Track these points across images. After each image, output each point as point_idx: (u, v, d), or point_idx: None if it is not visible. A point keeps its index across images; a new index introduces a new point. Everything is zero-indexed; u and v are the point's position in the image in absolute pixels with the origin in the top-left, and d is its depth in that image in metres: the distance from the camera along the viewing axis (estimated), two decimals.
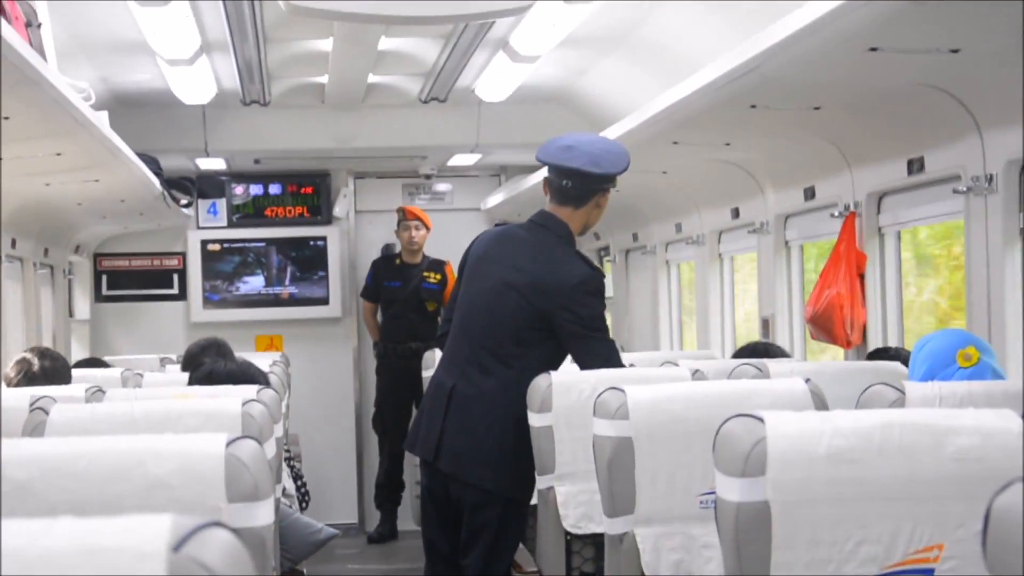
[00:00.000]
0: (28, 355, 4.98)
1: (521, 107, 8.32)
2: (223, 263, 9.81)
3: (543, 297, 4.57)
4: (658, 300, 8.12)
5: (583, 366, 4.51)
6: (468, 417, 4.66)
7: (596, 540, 4.15)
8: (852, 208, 5.07)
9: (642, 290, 8.52)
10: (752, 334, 6.54)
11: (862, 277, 5.04)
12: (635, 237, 8.50)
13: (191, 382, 4.49)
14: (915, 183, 4.65)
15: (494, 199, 9.67)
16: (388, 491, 9.16)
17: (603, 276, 4.71)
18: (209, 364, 4.55)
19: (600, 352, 4.54)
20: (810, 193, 5.55)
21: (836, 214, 5.17)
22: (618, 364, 4.53)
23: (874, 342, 5.03)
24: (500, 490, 4.60)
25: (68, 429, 2.96)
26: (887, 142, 4.73)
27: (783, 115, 4.65)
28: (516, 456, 4.54)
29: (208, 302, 9.78)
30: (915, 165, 4.57)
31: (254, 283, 9.87)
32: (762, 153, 5.65)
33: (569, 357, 4.70)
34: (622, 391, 3.30)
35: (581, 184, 4.67)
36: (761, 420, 2.32)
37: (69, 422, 2.98)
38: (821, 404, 3.23)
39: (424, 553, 4.90)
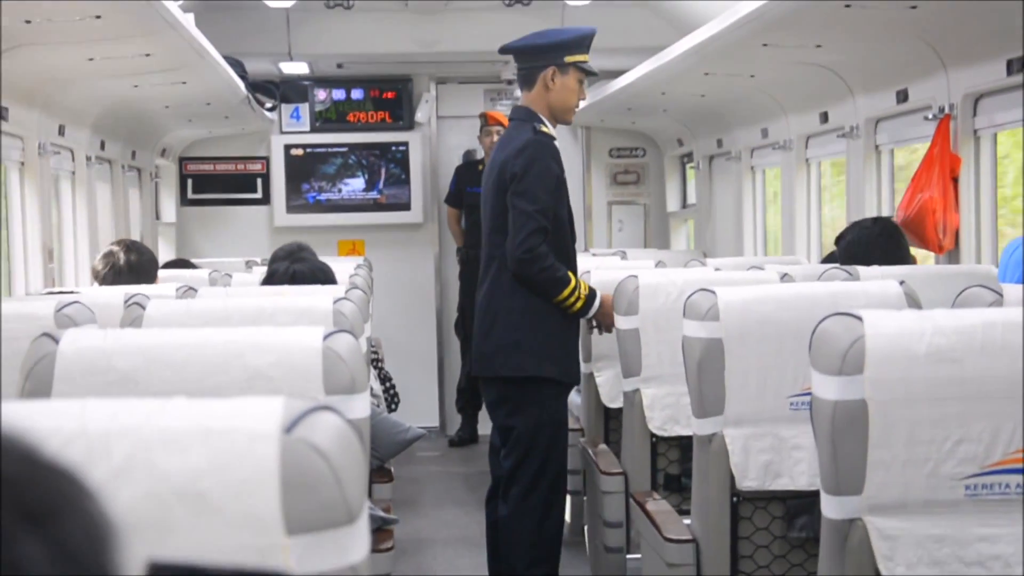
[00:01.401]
0: (115, 248, 5.03)
1: (606, 10, 8.21)
2: (306, 168, 9.85)
3: (499, 176, 4.63)
4: (742, 206, 8.05)
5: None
6: (476, 320, 4.81)
7: (681, 442, 4.16)
8: (947, 110, 4.97)
9: (726, 196, 8.45)
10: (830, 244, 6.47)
11: (955, 181, 4.95)
12: (719, 143, 8.41)
13: (264, 283, 4.51)
14: (1014, 84, 4.54)
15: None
16: (469, 395, 9.22)
17: (549, 141, 4.69)
18: (282, 266, 4.56)
19: (513, 224, 4.58)
20: (903, 96, 5.45)
21: (930, 116, 5.07)
22: (518, 245, 4.54)
23: (967, 247, 4.95)
24: (504, 372, 4.69)
25: (165, 323, 3.00)
26: (985, 42, 4.62)
27: (878, 14, 4.55)
28: (514, 343, 4.60)
29: (291, 207, 9.83)
30: (1015, 65, 4.46)
31: (338, 188, 9.90)
32: (854, 55, 5.54)
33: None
34: (713, 292, 3.28)
35: (525, 64, 4.75)
36: (859, 318, 2.30)
37: (166, 316, 3.02)
38: (916, 306, 3.19)
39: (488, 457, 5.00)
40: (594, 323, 4.78)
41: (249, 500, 1.33)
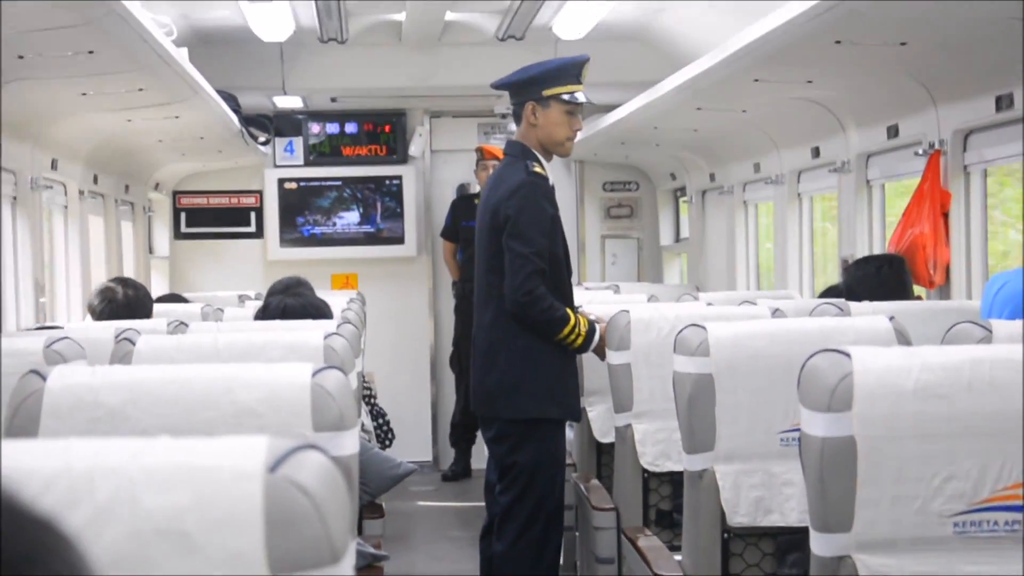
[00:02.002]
0: (112, 284, 5.04)
1: (599, 45, 8.23)
2: (300, 202, 9.86)
3: (492, 218, 4.63)
4: (735, 240, 8.06)
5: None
6: (475, 359, 4.81)
7: (673, 478, 4.15)
8: (937, 146, 4.99)
9: (719, 230, 8.46)
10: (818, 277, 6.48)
11: (946, 216, 4.97)
12: (712, 177, 8.44)
13: (256, 317, 4.52)
14: (1003, 120, 4.57)
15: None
16: (463, 430, 9.21)
17: (542, 181, 4.67)
18: (275, 300, 4.57)
19: (509, 267, 4.57)
20: (893, 131, 5.47)
21: (920, 152, 5.09)
22: (516, 288, 4.54)
23: (957, 282, 4.96)
24: (506, 415, 4.68)
25: (154, 359, 3.00)
26: (975, 78, 4.64)
27: (868, 51, 4.58)
28: (515, 384, 4.60)
29: (284, 240, 9.84)
30: (1004, 102, 4.48)
31: (333, 221, 9.90)
32: (845, 91, 5.56)
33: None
34: (703, 328, 3.28)
35: (512, 100, 4.76)
36: (847, 355, 2.30)
37: (155, 352, 3.02)
38: (905, 342, 3.19)
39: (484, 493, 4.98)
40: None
41: (233, 539, 1.33)
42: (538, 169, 4.66)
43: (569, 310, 4.62)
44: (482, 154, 8.93)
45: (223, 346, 3.17)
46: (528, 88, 4.68)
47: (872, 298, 4.44)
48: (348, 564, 1.45)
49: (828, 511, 2.30)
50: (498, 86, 4.81)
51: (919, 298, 4.88)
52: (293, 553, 1.36)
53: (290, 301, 4.49)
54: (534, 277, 4.52)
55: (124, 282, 5.09)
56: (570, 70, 4.69)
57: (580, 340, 4.61)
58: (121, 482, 1.33)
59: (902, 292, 4.66)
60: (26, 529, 0.70)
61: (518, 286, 4.52)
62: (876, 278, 4.67)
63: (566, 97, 4.67)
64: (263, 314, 4.46)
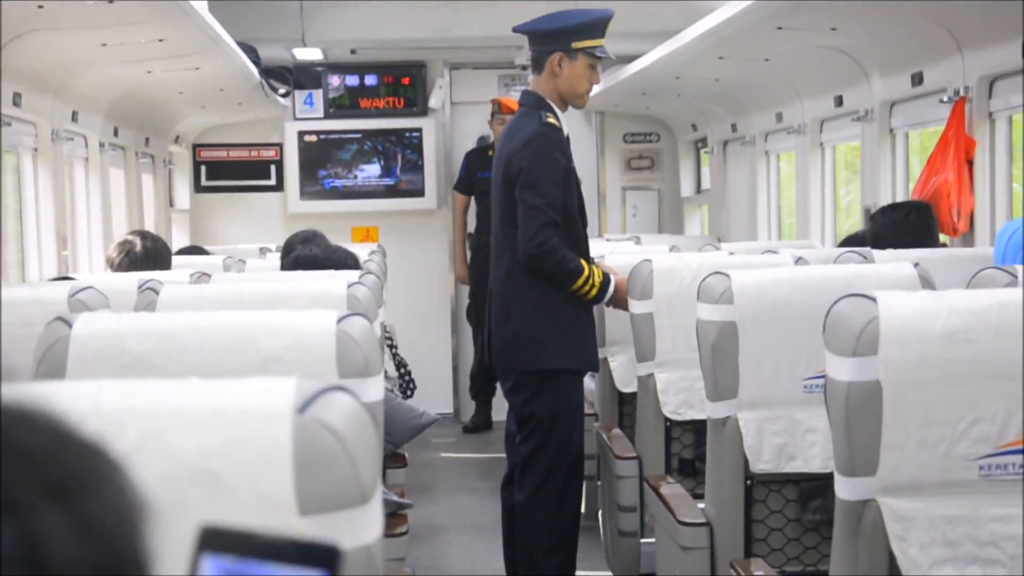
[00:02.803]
0: (130, 237, 5.06)
1: None
2: (320, 155, 9.85)
3: (506, 168, 4.61)
4: (757, 191, 8.03)
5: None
6: (491, 311, 4.81)
7: (695, 426, 4.16)
8: (962, 93, 4.95)
9: (740, 181, 8.43)
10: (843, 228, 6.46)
11: (970, 164, 4.94)
12: (733, 128, 8.40)
13: (283, 268, 4.52)
14: None
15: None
16: (482, 382, 9.22)
17: (556, 132, 4.65)
18: (298, 250, 4.56)
19: (522, 219, 4.56)
20: (918, 79, 5.43)
21: (945, 99, 5.05)
22: (529, 240, 4.53)
23: (981, 230, 4.94)
24: (521, 367, 4.68)
25: (178, 308, 3.00)
26: (1001, 24, 4.59)
27: None
28: (530, 335, 4.60)
29: (305, 193, 9.84)
30: None
31: (354, 174, 9.89)
32: (868, 38, 5.52)
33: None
34: (727, 275, 3.27)
35: (535, 47, 4.72)
36: (873, 300, 2.29)
37: (179, 301, 3.02)
38: (930, 288, 3.17)
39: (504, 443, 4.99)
40: (610, 304, 4.77)
41: (262, 480, 1.34)
42: (552, 120, 4.63)
43: (583, 261, 4.61)
44: (499, 107, 8.88)
45: (247, 295, 3.18)
46: (557, 38, 4.64)
47: (899, 246, 4.42)
48: (376, 505, 1.46)
49: (853, 455, 2.30)
50: (524, 31, 4.76)
51: (944, 245, 4.85)
52: (322, 494, 1.36)
53: (319, 252, 4.49)
54: (547, 228, 4.51)
55: (143, 235, 5.11)
56: (599, 24, 4.68)
57: (595, 291, 4.60)
58: (151, 423, 1.33)
59: (929, 239, 4.62)
60: (74, 449, 0.70)
61: (531, 237, 4.51)
62: (904, 225, 4.63)
63: (595, 51, 4.65)
64: (294, 264, 4.45)
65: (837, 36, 5.49)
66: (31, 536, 0.65)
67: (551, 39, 4.65)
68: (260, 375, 2.17)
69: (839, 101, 6.46)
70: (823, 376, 2.44)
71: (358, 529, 1.40)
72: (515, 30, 4.84)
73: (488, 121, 9.08)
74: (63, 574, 0.65)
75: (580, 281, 4.58)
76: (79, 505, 0.67)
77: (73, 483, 0.68)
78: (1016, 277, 2.92)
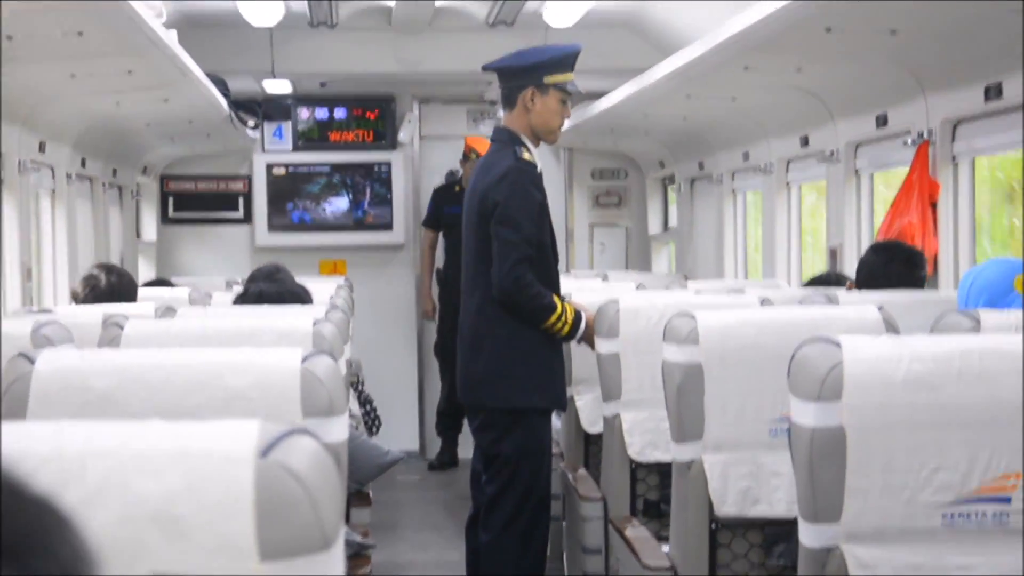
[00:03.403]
0: (95, 271, 5.02)
1: (589, 33, 8.21)
2: (289, 187, 9.83)
3: (480, 203, 4.61)
4: (723, 229, 8.06)
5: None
6: (461, 347, 4.80)
7: (661, 468, 4.15)
8: (926, 136, 4.99)
9: (707, 219, 8.46)
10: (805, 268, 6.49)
11: (934, 206, 4.97)
12: (701, 166, 8.43)
13: (236, 302, 4.49)
14: (992, 110, 4.57)
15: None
16: (449, 419, 9.19)
17: (531, 168, 4.66)
18: (252, 287, 4.54)
19: (497, 254, 4.56)
20: (882, 120, 5.47)
21: (909, 142, 5.09)
22: (504, 275, 4.53)
23: (945, 272, 4.97)
24: (491, 404, 4.68)
25: (143, 344, 2.98)
26: (964, 67, 4.64)
27: (858, 39, 4.58)
28: (500, 372, 4.60)
29: (273, 226, 9.81)
30: (992, 91, 4.48)
31: (323, 207, 9.87)
32: (834, 79, 5.56)
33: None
34: (692, 317, 3.28)
35: (506, 83, 4.73)
36: (838, 344, 2.30)
37: (143, 336, 3.01)
38: (894, 331, 3.19)
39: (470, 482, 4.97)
40: (580, 342, 4.76)
41: (224, 524, 1.32)
42: (527, 155, 4.64)
43: (556, 298, 4.62)
44: (468, 149, 8.82)
45: (212, 331, 3.16)
46: (529, 73, 4.66)
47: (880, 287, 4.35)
48: (338, 551, 1.45)
49: (817, 501, 2.30)
50: (494, 68, 4.78)
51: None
52: (284, 539, 1.35)
53: (266, 287, 4.46)
54: (522, 264, 4.51)
55: (108, 269, 5.07)
56: (569, 59, 4.71)
57: (567, 328, 4.60)
58: (112, 465, 1.32)
59: (912, 280, 4.50)
60: (24, 507, 0.69)
61: (506, 273, 4.51)
62: (882, 268, 4.49)
63: (566, 86, 4.68)
64: (242, 300, 4.43)
65: (803, 77, 5.53)
66: None
67: (523, 75, 4.67)
68: (224, 413, 2.17)
69: (805, 141, 6.50)
70: (788, 419, 2.44)
71: (320, 575, 1.39)
72: (485, 68, 4.86)
73: (460, 160, 9.07)
74: None
75: (553, 318, 4.57)
76: (31, 563, 0.67)
77: (24, 541, 0.67)
78: (978, 322, 2.94)
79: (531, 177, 4.61)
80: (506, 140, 4.70)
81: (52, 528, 0.70)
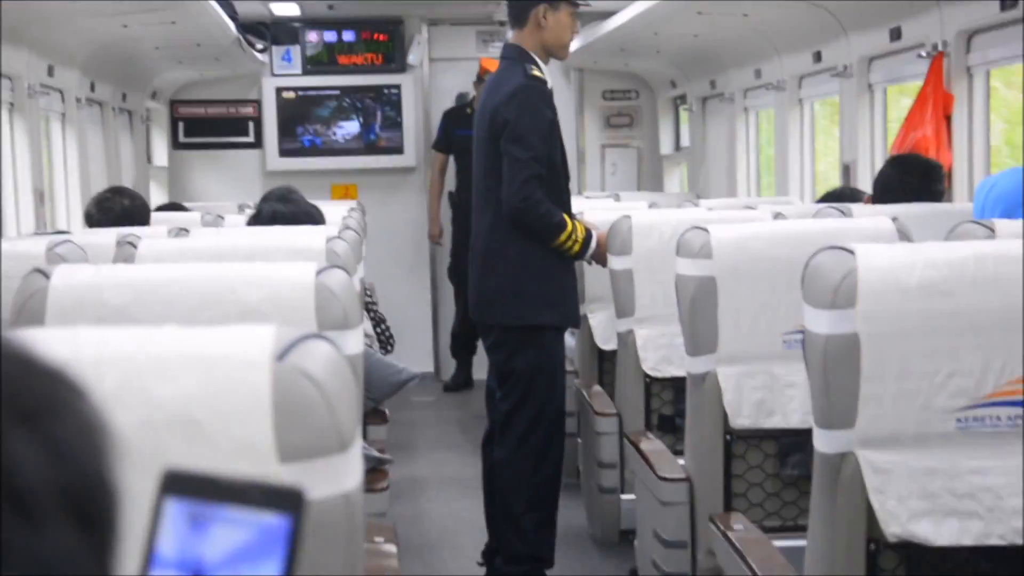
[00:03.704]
0: (108, 194, 5.03)
1: None
2: (299, 111, 9.79)
3: (491, 122, 4.59)
4: (736, 148, 8.02)
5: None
6: (473, 266, 4.80)
7: (675, 383, 4.17)
8: (940, 48, 4.94)
9: (719, 138, 8.42)
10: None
11: (948, 119, 4.94)
12: (712, 84, 8.38)
13: (249, 222, 4.48)
14: (1007, 20, 4.52)
15: (571, 45, 9.54)
16: (463, 340, 9.22)
17: (541, 85, 4.64)
18: (266, 207, 4.53)
19: (507, 172, 4.54)
20: (896, 33, 5.42)
21: (923, 54, 5.05)
22: (514, 193, 4.51)
23: (960, 186, 4.95)
24: (503, 321, 4.68)
25: (157, 261, 2.99)
26: None
27: None
28: (512, 290, 4.60)
29: (284, 150, 9.78)
30: (1008, 1, 4.43)
31: (333, 131, 9.84)
32: None
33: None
34: (705, 230, 3.27)
35: (515, 1, 4.69)
36: (851, 252, 2.30)
37: (157, 254, 3.01)
38: (908, 241, 3.18)
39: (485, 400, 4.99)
40: (590, 261, 4.76)
41: (242, 427, 1.33)
42: (537, 72, 4.62)
43: (566, 216, 4.61)
44: (482, 70, 8.76)
45: (226, 249, 3.16)
46: None
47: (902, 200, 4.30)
48: (356, 454, 1.46)
49: (831, 408, 2.31)
50: None
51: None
52: (301, 441, 1.36)
53: (280, 208, 4.46)
54: (532, 182, 4.50)
55: (121, 191, 5.08)
56: None
57: (577, 246, 4.60)
58: (129, 370, 1.33)
59: (931, 193, 4.45)
60: (36, 375, 0.70)
61: (516, 191, 4.50)
62: (900, 180, 4.45)
63: (578, 1, 4.67)
64: (255, 221, 4.43)
65: None
66: (2, 461, 0.65)
67: None
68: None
69: (818, 57, 6.45)
70: (802, 331, 2.44)
71: (337, 477, 1.40)
72: None
73: (473, 82, 9.00)
74: (33, 496, 0.66)
75: (563, 236, 4.57)
76: (45, 428, 0.68)
77: (38, 407, 0.68)
78: (993, 231, 2.93)
79: (542, 94, 4.59)
80: (515, 58, 4.67)
81: (65, 395, 0.71)
